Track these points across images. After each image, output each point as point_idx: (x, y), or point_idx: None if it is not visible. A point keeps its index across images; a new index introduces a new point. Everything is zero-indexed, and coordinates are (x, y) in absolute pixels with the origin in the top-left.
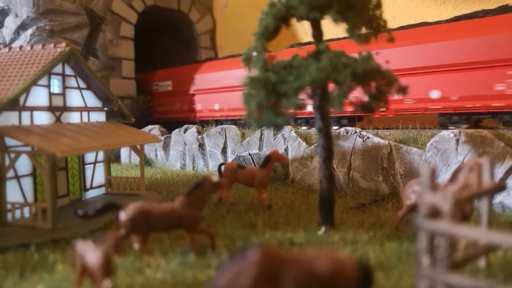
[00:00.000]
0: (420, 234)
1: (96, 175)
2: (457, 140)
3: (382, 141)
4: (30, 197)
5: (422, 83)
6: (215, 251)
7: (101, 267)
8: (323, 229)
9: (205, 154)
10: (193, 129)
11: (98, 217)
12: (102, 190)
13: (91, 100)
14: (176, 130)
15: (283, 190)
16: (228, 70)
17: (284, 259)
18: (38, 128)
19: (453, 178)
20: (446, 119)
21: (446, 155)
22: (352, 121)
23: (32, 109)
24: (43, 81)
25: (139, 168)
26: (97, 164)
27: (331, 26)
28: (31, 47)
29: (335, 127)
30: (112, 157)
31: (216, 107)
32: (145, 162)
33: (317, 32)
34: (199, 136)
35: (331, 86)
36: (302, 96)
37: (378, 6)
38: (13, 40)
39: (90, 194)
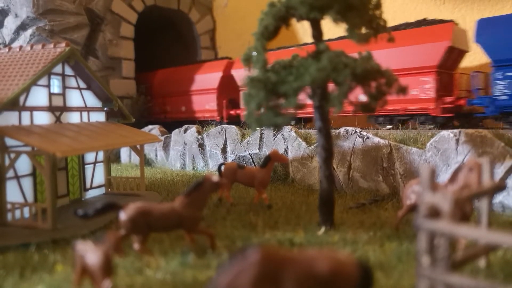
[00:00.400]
0: (420, 234)
1: (96, 175)
2: (457, 140)
3: (382, 141)
4: (30, 197)
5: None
6: (215, 251)
7: (101, 267)
8: (323, 229)
9: (205, 154)
10: (193, 129)
11: (98, 217)
12: (102, 190)
13: (91, 100)
14: (176, 130)
15: (283, 190)
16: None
17: (284, 259)
18: (38, 128)
19: (453, 178)
20: (373, 120)
21: (446, 155)
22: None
23: (32, 109)
24: (43, 81)
25: (139, 168)
26: (97, 164)
27: (331, 26)
28: (31, 47)
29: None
30: (112, 157)
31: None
32: (145, 162)
33: (317, 32)
34: (199, 136)
35: (331, 86)
36: (302, 96)
37: (378, 6)
38: (13, 40)
39: (90, 194)
